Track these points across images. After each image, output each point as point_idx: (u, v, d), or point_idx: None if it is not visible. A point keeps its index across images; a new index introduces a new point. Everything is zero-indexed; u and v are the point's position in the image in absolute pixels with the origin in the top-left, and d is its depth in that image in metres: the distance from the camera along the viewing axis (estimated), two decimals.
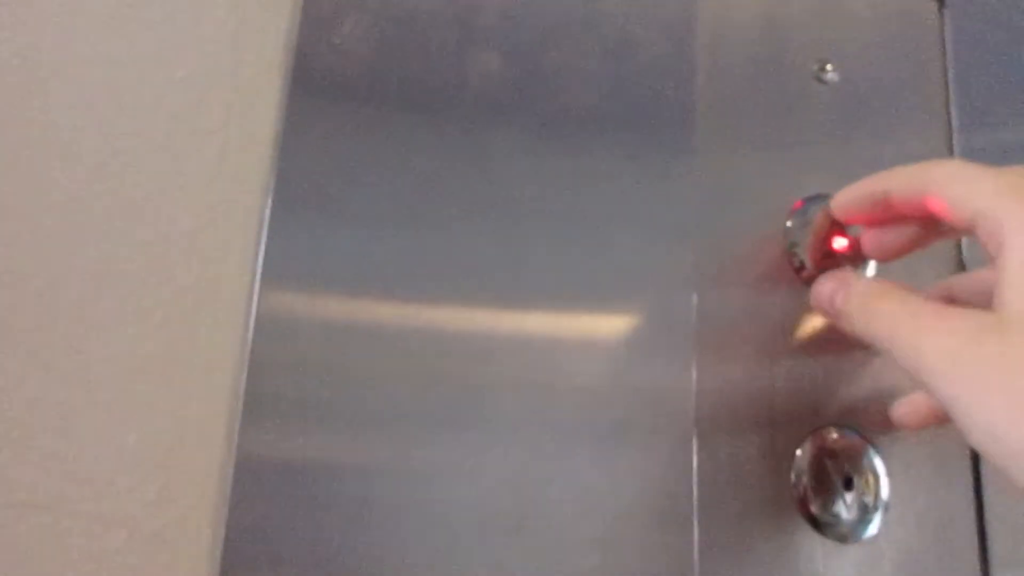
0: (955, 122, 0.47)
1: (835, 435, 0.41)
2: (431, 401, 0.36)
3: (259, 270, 0.35)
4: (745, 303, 0.41)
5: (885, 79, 0.47)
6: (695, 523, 0.38)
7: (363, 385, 0.35)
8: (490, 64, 0.40)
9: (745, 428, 0.40)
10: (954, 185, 0.31)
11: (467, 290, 0.37)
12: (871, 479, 0.41)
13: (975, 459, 0.43)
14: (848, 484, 0.40)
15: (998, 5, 0.50)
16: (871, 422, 0.41)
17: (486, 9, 0.40)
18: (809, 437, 0.40)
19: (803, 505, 0.39)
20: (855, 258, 0.40)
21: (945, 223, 0.33)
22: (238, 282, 0.36)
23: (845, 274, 0.38)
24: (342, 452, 0.34)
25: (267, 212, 0.36)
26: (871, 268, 0.42)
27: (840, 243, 0.40)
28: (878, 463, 0.41)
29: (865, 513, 0.40)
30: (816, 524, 0.39)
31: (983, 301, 0.30)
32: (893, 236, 0.37)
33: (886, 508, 0.40)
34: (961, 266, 0.45)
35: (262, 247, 0.35)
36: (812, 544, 0.39)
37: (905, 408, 0.40)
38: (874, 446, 0.41)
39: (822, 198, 0.41)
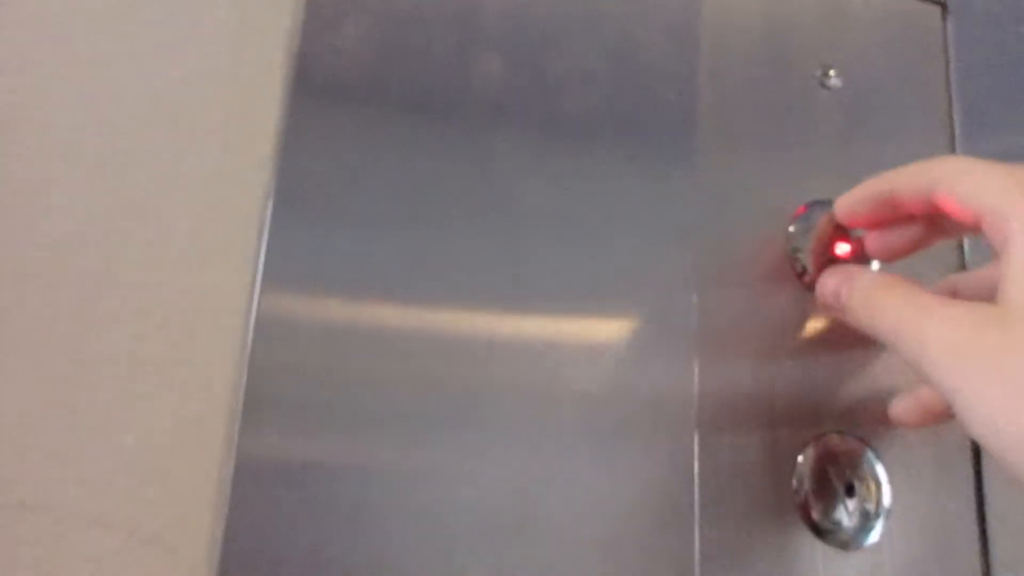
0: (957, 127, 0.47)
1: (837, 441, 0.41)
2: (431, 402, 0.35)
3: (260, 271, 0.35)
4: (747, 306, 0.41)
5: (888, 84, 0.47)
6: (696, 527, 0.37)
7: (363, 387, 0.35)
8: (492, 66, 0.40)
9: (746, 431, 0.39)
10: (961, 181, 0.31)
11: (468, 291, 0.37)
12: (872, 486, 0.41)
13: (977, 466, 0.43)
14: (850, 491, 0.40)
15: (1000, 10, 0.50)
16: (872, 426, 0.41)
17: (487, 11, 0.40)
18: (811, 443, 0.40)
19: (804, 511, 0.39)
20: (858, 263, 0.40)
21: (950, 220, 0.34)
22: (238, 283, 0.35)
23: (849, 269, 0.38)
24: (342, 454, 0.34)
25: (268, 213, 0.36)
26: (875, 268, 0.42)
27: (843, 249, 0.40)
28: (880, 470, 0.41)
29: (867, 520, 0.40)
30: (817, 531, 0.39)
31: (986, 298, 0.30)
32: (897, 236, 0.37)
33: (888, 515, 0.40)
34: (963, 267, 0.45)
35: (263, 248, 0.35)
36: (813, 550, 0.39)
37: (904, 405, 0.40)
38: (876, 452, 0.41)
39: (825, 203, 0.41)
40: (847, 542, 0.40)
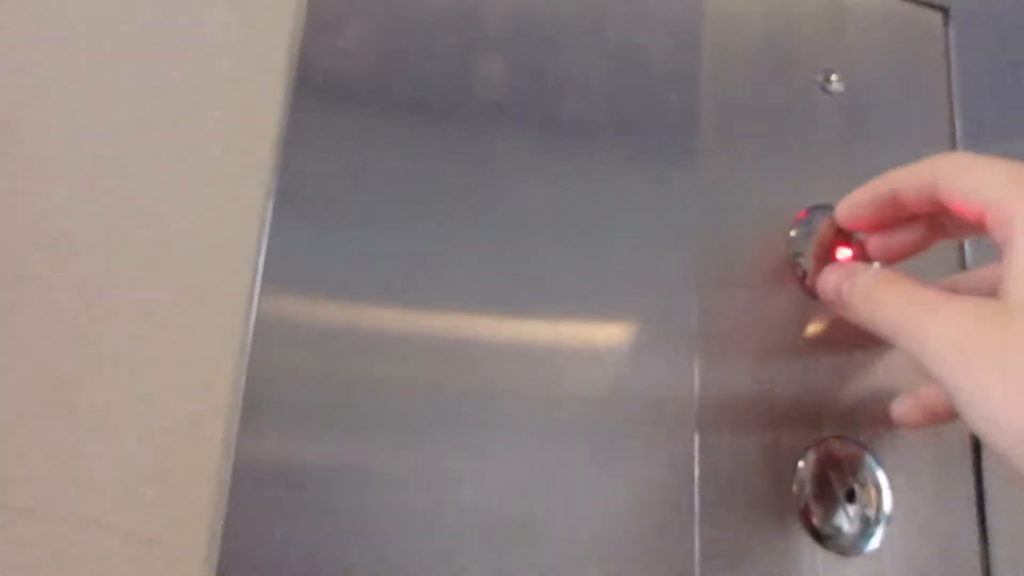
0: (959, 133, 0.47)
1: (838, 446, 0.41)
2: (430, 403, 0.35)
3: (260, 271, 0.35)
4: (747, 309, 0.41)
5: (890, 90, 0.47)
6: (696, 530, 0.37)
7: (363, 388, 0.35)
8: (493, 67, 0.40)
9: (747, 434, 0.39)
10: (964, 176, 0.31)
11: (468, 292, 0.37)
12: (873, 492, 0.40)
13: (978, 472, 0.42)
14: (850, 496, 0.40)
15: (1003, 16, 0.50)
16: (873, 430, 0.41)
17: (488, 12, 0.40)
18: (812, 448, 0.40)
19: (805, 516, 0.39)
20: None
21: (952, 220, 0.34)
22: (238, 283, 0.35)
23: (851, 265, 0.38)
24: (341, 455, 0.34)
25: (268, 214, 0.36)
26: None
27: (844, 253, 0.40)
28: (880, 475, 0.41)
29: (867, 526, 0.40)
30: (818, 536, 0.39)
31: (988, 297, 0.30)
32: (898, 238, 0.37)
33: (888, 521, 0.40)
34: (964, 268, 0.45)
35: (263, 249, 0.35)
36: (814, 556, 0.39)
37: (905, 406, 0.40)
38: (876, 458, 0.41)
39: (826, 208, 0.41)
40: (847, 548, 0.39)
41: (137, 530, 0.32)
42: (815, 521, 0.39)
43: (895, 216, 0.36)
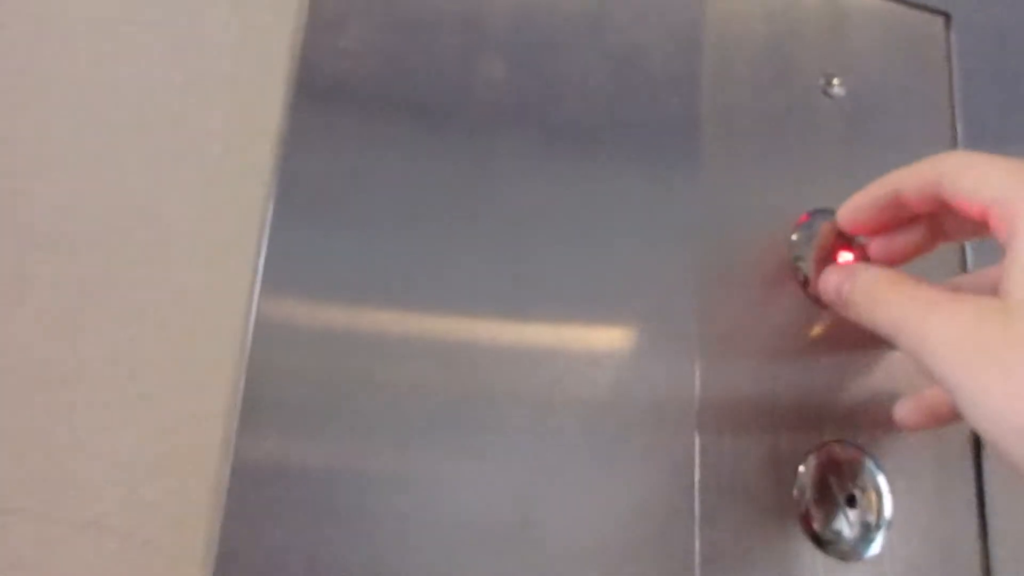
0: (960, 137, 0.47)
1: (839, 451, 0.41)
2: (430, 406, 0.35)
3: (260, 272, 0.35)
4: (748, 312, 0.41)
5: (891, 94, 0.47)
6: (696, 533, 0.37)
7: (362, 390, 0.35)
8: (494, 69, 0.40)
9: (747, 437, 0.39)
10: (967, 174, 0.31)
11: (469, 294, 0.37)
12: (874, 497, 0.40)
13: (979, 477, 0.42)
14: (851, 501, 0.40)
15: (1004, 20, 0.50)
16: (874, 434, 0.41)
17: (490, 14, 0.40)
18: (813, 452, 0.40)
19: (805, 521, 0.39)
20: None
21: (954, 220, 0.34)
22: (238, 285, 0.35)
23: (852, 265, 0.38)
24: (340, 457, 0.34)
25: (269, 215, 0.36)
26: None
27: (845, 257, 0.40)
28: (881, 480, 0.41)
29: (868, 531, 0.40)
30: (818, 541, 0.39)
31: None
32: (900, 241, 0.37)
33: (889, 526, 0.40)
34: (965, 271, 0.45)
35: (263, 249, 0.35)
36: (814, 561, 0.39)
37: (907, 408, 0.40)
38: (877, 463, 0.41)
39: (827, 212, 0.41)
40: (848, 553, 0.39)
41: (135, 531, 0.32)
42: (815, 526, 0.39)
43: (896, 219, 0.36)
